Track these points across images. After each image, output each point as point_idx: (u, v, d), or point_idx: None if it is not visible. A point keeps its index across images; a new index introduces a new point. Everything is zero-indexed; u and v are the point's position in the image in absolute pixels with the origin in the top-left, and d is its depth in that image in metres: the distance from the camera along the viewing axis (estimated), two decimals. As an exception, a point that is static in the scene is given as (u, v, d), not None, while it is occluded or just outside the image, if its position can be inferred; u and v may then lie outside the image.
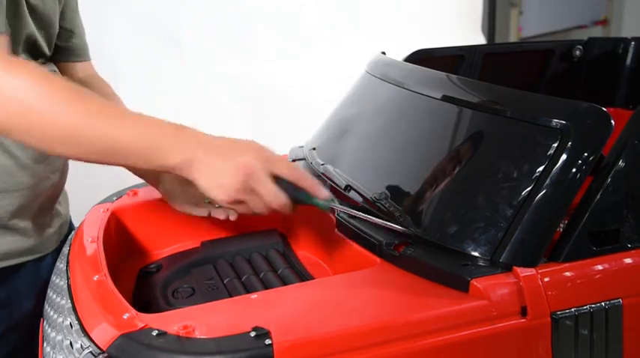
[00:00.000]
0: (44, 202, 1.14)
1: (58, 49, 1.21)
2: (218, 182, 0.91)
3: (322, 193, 0.98)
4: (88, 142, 0.87)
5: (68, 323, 0.89)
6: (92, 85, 1.26)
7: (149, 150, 0.88)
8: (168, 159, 0.89)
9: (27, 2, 1.04)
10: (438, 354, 0.81)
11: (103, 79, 1.31)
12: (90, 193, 1.33)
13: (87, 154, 0.88)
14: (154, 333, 0.77)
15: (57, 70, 1.18)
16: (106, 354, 0.78)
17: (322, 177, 1.18)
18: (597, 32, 4.34)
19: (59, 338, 0.90)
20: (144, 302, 1.05)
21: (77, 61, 1.26)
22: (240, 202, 0.93)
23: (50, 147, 0.88)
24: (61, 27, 1.19)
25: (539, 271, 0.85)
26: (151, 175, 1.17)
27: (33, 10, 1.06)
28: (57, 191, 1.18)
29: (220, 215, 1.13)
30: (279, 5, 2.57)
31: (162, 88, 2.23)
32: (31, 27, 1.05)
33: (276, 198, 0.94)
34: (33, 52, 1.09)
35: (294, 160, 1.32)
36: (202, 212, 1.14)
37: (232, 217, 1.12)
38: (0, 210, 1.05)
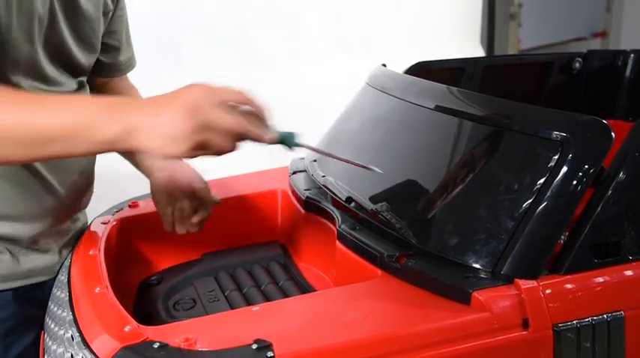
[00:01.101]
0: (68, 223, 1.15)
1: (103, 66, 1.21)
2: (169, 137, 0.80)
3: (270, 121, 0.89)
4: (4, 137, 0.80)
5: (69, 335, 0.89)
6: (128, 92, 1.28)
7: (78, 129, 0.81)
8: (104, 133, 0.80)
9: (69, 21, 1.04)
10: (440, 367, 0.81)
11: (135, 88, 1.32)
12: (90, 205, 1.33)
13: (10, 151, 0.81)
14: (156, 346, 0.77)
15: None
16: (107, 367, 0.77)
17: (324, 189, 1.18)
18: (596, 44, 4.36)
19: (60, 350, 0.90)
20: (145, 314, 1.05)
21: (119, 75, 1.27)
22: (201, 147, 0.82)
23: None
24: (107, 44, 1.19)
25: (541, 283, 0.85)
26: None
27: (75, 29, 1.06)
28: (77, 211, 1.20)
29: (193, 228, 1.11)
30: (280, 15, 2.58)
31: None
32: (69, 45, 1.06)
33: (235, 123, 0.82)
34: (70, 69, 1.09)
35: (294, 172, 1.32)
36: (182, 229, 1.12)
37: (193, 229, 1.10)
38: (25, 233, 1.06)
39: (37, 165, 1.03)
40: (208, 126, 0.81)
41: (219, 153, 0.84)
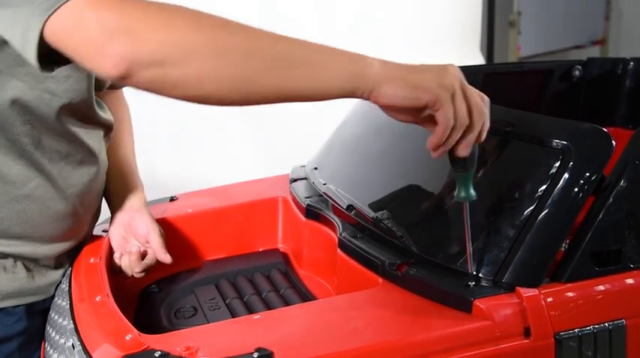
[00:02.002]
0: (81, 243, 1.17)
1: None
2: (412, 83, 0.79)
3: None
4: (301, 65, 0.80)
5: (70, 344, 0.89)
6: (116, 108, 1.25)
7: (328, 57, 0.82)
8: (352, 65, 0.81)
9: None
10: (442, 375, 0.81)
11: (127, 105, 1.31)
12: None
13: (295, 83, 0.80)
14: (157, 354, 0.77)
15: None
16: (108, 375, 0.77)
17: (324, 197, 1.18)
18: (595, 52, 4.37)
19: (61, 359, 0.90)
20: (146, 322, 1.05)
21: (113, 89, 1.24)
22: (437, 106, 0.79)
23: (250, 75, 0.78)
24: None
25: (542, 291, 0.85)
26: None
27: None
28: (92, 228, 1.21)
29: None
30: (278, 24, 2.59)
31: (160, 103, 2.23)
32: None
33: (482, 97, 0.83)
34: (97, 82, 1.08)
35: (295, 180, 1.32)
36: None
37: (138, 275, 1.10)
38: (45, 252, 1.06)
39: (65, 187, 1.04)
40: (454, 94, 0.80)
41: (454, 119, 0.80)
